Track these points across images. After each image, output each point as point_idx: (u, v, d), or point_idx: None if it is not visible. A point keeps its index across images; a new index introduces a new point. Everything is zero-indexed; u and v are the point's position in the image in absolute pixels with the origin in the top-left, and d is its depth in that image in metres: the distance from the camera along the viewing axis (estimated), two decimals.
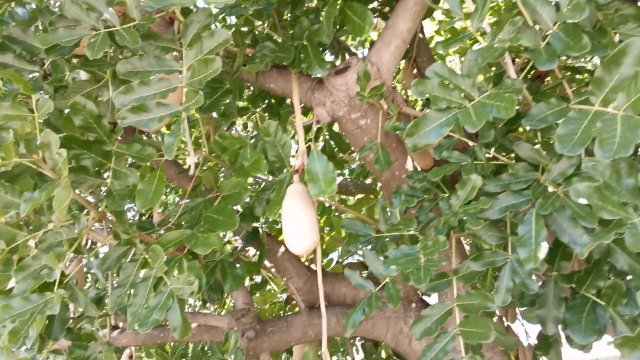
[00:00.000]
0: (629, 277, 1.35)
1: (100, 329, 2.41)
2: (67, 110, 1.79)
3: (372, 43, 1.96)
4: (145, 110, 1.37)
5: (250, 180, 3.23)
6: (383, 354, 2.75)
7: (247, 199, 2.02)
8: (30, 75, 1.77)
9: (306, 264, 2.45)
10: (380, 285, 1.55)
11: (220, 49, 1.38)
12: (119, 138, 1.67)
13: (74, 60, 1.80)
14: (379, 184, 3.56)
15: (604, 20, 1.37)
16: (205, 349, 3.42)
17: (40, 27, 1.86)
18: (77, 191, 1.70)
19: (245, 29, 2.27)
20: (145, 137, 2.24)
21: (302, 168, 1.63)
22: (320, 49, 1.75)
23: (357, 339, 3.10)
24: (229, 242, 2.37)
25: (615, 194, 1.01)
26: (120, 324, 2.58)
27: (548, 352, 1.52)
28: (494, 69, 1.77)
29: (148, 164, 2.41)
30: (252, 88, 2.59)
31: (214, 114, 2.56)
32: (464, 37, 1.30)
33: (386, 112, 1.75)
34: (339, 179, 3.80)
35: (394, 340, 2.09)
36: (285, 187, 1.63)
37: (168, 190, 4.00)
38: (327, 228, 3.49)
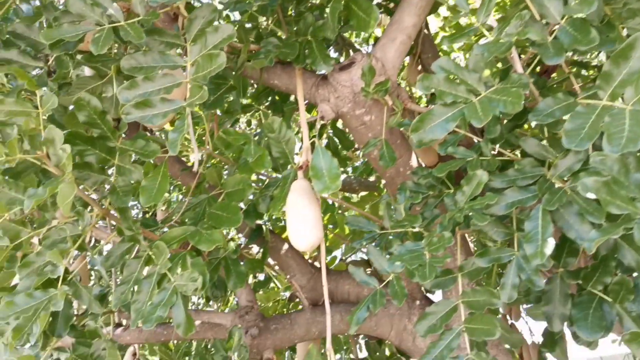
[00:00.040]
0: (636, 274, 1.34)
1: (104, 327, 2.41)
2: (71, 107, 1.79)
3: (377, 40, 1.95)
4: (149, 106, 1.37)
5: (253, 177, 3.23)
6: (387, 352, 2.74)
7: (251, 197, 2.02)
8: (35, 72, 1.77)
9: (310, 261, 2.44)
10: (385, 282, 1.54)
11: (224, 44, 1.38)
12: (123, 135, 1.67)
13: (79, 57, 1.80)
14: (383, 181, 3.55)
15: (612, 15, 1.35)
16: (209, 346, 3.42)
17: (45, 24, 1.86)
18: (80, 188, 1.70)
19: (249, 25, 2.26)
20: (148, 135, 2.23)
21: (306, 164, 1.62)
22: (325, 45, 1.74)
23: (361, 337, 3.09)
24: (232, 239, 2.36)
25: (624, 189, 1.00)
26: (124, 322, 2.58)
27: (554, 349, 1.51)
28: (500, 65, 1.75)
29: (152, 161, 2.42)
30: (255, 86, 2.59)
31: (218, 111, 2.56)
32: (469, 31, 1.29)
33: (391, 108, 1.75)
34: (343, 177, 3.80)
35: (398, 337, 2.08)
36: (290, 183, 1.63)
37: (172, 188, 4.00)
38: (331, 226, 3.49)
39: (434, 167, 1.44)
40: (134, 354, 2.76)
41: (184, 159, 3.13)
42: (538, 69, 1.73)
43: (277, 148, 1.71)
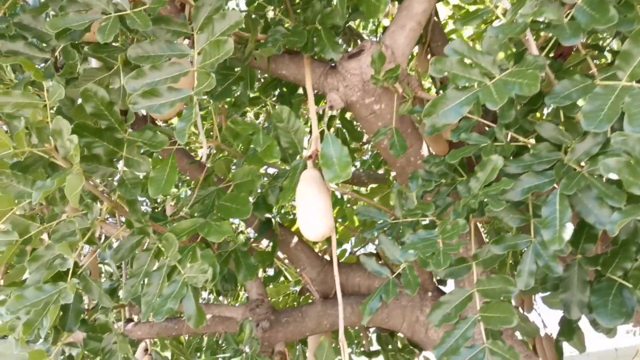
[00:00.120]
0: None
1: (115, 322, 2.41)
2: (79, 101, 1.78)
3: (385, 29, 1.92)
4: (156, 95, 1.35)
5: (261, 171, 3.21)
6: (398, 345, 2.72)
7: (259, 190, 2.00)
8: (42, 65, 1.76)
9: (320, 254, 2.42)
10: (396, 273, 1.52)
11: (232, 31, 1.35)
12: (131, 130, 1.65)
13: (85, 49, 1.78)
14: (393, 174, 3.52)
15: None
16: (220, 342, 3.42)
17: (51, 15, 1.84)
18: (89, 182, 1.69)
19: (255, 17, 2.23)
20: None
21: (315, 154, 1.60)
22: (334, 32, 1.71)
23: (372, 330, 3.07)
24: (241, 232, 2.35)
25: None
26: (135, 318, 2.58)
27: (571, 338, 1.48)
28: (514, 50, 1.71)
29: (160, 157, 2.41)
30: (262, 80, 2.57)
31: (226, 105, 2.54)
32: (483, 13, 1.26)
33: (401, 96, 1.72)
34: (352, 169, 3.77)
35: (410, 329, 2.06)
36: (299, 173, 1.60)
37: (180, 184, 4.00)
38: (340, 219, 3.47)
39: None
40: (146, 350, 2.76)
41: (192, 154, 3.12)
42: (553, 52, 1.70)
43: (286, 138, 1.68)
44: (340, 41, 2.73)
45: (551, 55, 1.69)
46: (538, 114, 2.50)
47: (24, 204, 1.58)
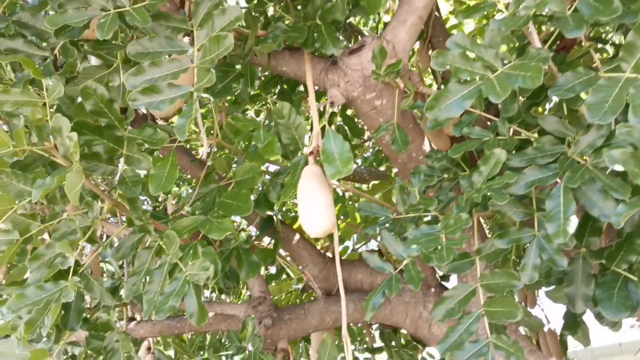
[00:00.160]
0: None
1: (117, 321, 2.40)
2: (79, 100, 1.77)
3: (386, 25, 1.91)
4: (156, 92, 1.34)
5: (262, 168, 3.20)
6: (402, 341, 2.71)
7: (261, 187, 2.00)
8: (41, 63, 1.75)
9: (321, 251, 2.42)
10: (399, 268, 1.51)
11: (232, 27, 1.34)
12: (131, 127, 1.65)
13: (85, 47, 1.77)
14: (394, 170, 3.52)
15: None
16: (223, 340, 3.41)
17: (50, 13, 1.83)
18: (89, 180, 1.68)
19: (256, 14, 2.22)
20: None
21: (316, 149, 1.59)
22: (334, 28, 1.70)
23: (375, 327, 3.07)
24: (243, 230, 2.35)
25: None
26: (137, 317, 2.58)
27: (576, 332, 1.48)
28: (516, 44, 1.70)
29: (160, 155, 2.40)
30: (263, 78, 2.56)
31: (226, 103, 2.53)
32: (485, 5, 1.24)
33: (402, 92, 1.71)
34: (353, 166, 3.76)
35: (413, 325, 2.05)
36: (300, 169, 1.59)
37: (181, 183, 4.00)
38: (342, 217, 3.46)
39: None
40: (149, 348, 2.76)
41: (193, 152, 3.11)
42: (555, 45, 1.68)
43: (287, 134, 1.67)
44: (340, 37, 2.73)
45: (554, 48, 1.68)
46: (540, 109, 2.49)
47: (24, 202, 1.57)
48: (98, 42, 1.64)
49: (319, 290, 2.26)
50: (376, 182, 3.38)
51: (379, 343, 2.77)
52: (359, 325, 3.54)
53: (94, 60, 1.83)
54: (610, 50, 2.27)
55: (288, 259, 2.93)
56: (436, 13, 2.37)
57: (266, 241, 2.76)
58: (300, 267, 2.33)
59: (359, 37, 2.71)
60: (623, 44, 1.11)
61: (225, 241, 1.91)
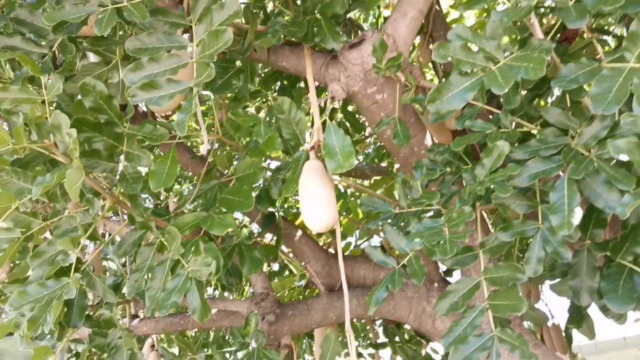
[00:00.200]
0: None
1: (121, 319, 2.40)
2: (78, 97, 1.76)
3: (386, 19, 1.90)
4: (155, 87, 1.33)
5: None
6: (405, 337, 2.71)
7: (262, 183, 1.99)
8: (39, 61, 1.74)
9: (324, 247, 2.41)
10: (402, 262, 1.50)
11: (231, 21, 1.33)
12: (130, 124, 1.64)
13: (84, 44, 1.76)
14: (396, 166, 3.50)
15: None
16: (227, 337, 3.41)
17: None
18: (90, 177, 1.68)
19: (255, 11, 2.21)
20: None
21: (317, 144, 1.58)
22: (334, 22, 1.69)
23: (378, 323, 3.06)
24: (245, 226, 2.34)
25: None
26: (140, 314, 2.58)
27: (581, 325, 1.47)
28: (518, 38, 1.69)
29: (161, 153, 2.39)
30: (263, 75, 2.55)
31: (227, 101, 2.52)
32: None
33: (403, 85, 1.69)
34: (355, 163, 3.75)
35: (417, 320, 2.04)
36: (301, 165, 1.58)
37: (182, 180, 3.99)
38: (344, 213, 3.45)
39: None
40: (152, 346, 2.76)
41: (194, 150, 3.10)
42: (558, 37, 1.67)
43: (288, 129, 1.66)
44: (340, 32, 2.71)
45: (556, 40, 1.67)
46: (543, 102, 2.47)
47: (24, 200, 1.57)
48: (96, 39, 1.64)
49: (321, 286, 2.25)
50: (378, 177, 3.37)
51: (382, 339, 2.76)
52: (363, 321, 3.54)
53: (92, 57, 1.83)
54: (613, 43, 2.25)
55: (290, 255, 2.93)
56: (437, 7, 2.36)
57: (268, 238, 2.76)
58: (302, 263, 2.32)
59: (359, 32, 2.69)
60: (626, 34, 1.09)
61: (227, 238, 1.91)
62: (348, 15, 2.73)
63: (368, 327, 3.20)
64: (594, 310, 1.55)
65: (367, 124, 3.14)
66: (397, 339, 2.56)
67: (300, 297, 3.19)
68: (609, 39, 2.24)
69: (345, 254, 2.91)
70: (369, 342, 3.07)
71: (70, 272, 1.54)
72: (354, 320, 3.24)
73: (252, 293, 2.35)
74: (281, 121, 1.65)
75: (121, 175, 1.61)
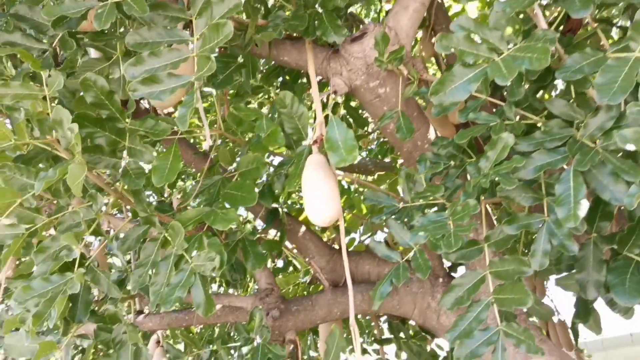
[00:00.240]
0: None
1: (126, 315, 2.40)
2: (81, 94, 1.76)
3: (388, 12, 1.88)
4: (156, 82, 1.33)
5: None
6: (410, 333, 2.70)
7: (265, 179, 1.98)
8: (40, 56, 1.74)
9: (328, 243, 2.40)
10: (407, 257, 1.49)
11: (231, 14, 1.32)
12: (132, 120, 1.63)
13: (85, 40, 1.76)
14: (400, 161, 3.49)
15: None
16: (232, 334, 3.42)
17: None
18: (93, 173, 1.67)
19: (256, 5, 2.20)
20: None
21: (320, 138, 1.57)
22: (335, 15, 1.67)
23: (383, 320, 3.05)
24: (248, 221, 2.33)
25: None
26: (146, 310, 2.58)
27: (587, 320, 1.45)
28: (521, 29, 1.66)
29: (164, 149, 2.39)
30: (264, 71, 2.53)
31: (229, 97, 2.52)
32: None
33: (406, 79, 1.68)
34: (358, 159, 3.74)
35: (422, 316, 2.03)
36: (304, 159, 1.57)
37: (186, 177, 3.99)
38: (348, 209, 3.44)
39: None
40: (158, 342, 2.77)
41: (197, 147, 3.10)
42: (561, 28, 1.65)
43: (290, 124, 1.65)
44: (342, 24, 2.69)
45: (560, 31, 1.65)
46: (547, 96, 2.45)
47: (28, 196, 1.57)
48: (96, 34, 1.63)
49: (326, 281, 2.25)
50: (381, 173, 3.36)
51: (387, 336, 2.76)
52: (367, 317, 3.53)
53: (93, 53, 1.82)
54: (617, 35, 2.23)
55: (295, 251, 2.92)
56: (439, 0, 2.34)
57: (272, 234, 2.75)
58: (307, 259, 2.32)
59: (361, 27, 2.67)
60: (630, 24, 1.08)
61: (231, 233, 1.91)
62: (349, 10, 2.72)
63: (373, 324, 3.19)
64: (599, 306, 1.54)
65: (370, 119, 3.13)
66: (401, 334, 2.55)
67: (305, 293, 3.18)
68: (613, 31, 2.22)
69: (349, 249, 2.90)
70: (373, 338, 3.06)
71: (75, 268, 1.54)
72: (359, 316, 3.24)
73: (257, 289, 2.34)
74: (283, 115, 1.64)
75: (124, 170, 1.61)
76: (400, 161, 3.47)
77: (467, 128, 1.44)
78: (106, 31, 1.65)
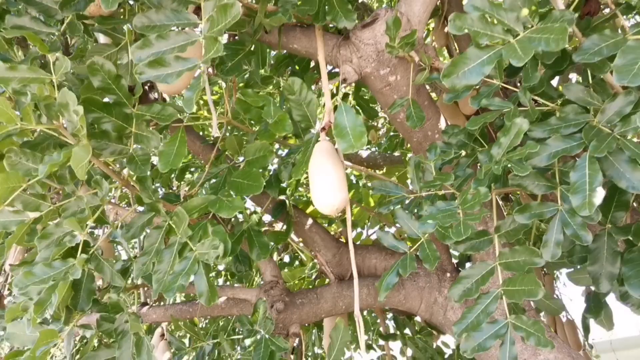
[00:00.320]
0: None
1: (130, 306, 2.39)
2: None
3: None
4: (163, 65, 1.30)
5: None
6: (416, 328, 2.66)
7: (272, 169, 1.96)
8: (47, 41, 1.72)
9: (334, 236, 2.37)
10: (414, 247, 1.45)
11: None
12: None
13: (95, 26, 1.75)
14: (409, 155, 3.45)
15: None
16: (237, 330, 3.40)
17: None
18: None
19: None
20: None
21: (328, 125, 1.54)
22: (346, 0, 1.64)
23: (389, 317, 3.02)
24: (254, 212, 2.32)
25: None
26: (149, 301, 2.57)
27: (599, 314, 1.41)
28: (537, 10, 1.62)
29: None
30: (272, 63, 2.51)
31: (237, 87, 2.49)
32: None
33: (417, 65, 1.65)
34: (367, 153, 3.71)
35: (428, 311, 2.00)
36: (312, 147, 1.55)
37: (193, 170, 3.98)
38: (355, 203, 3.41)
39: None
40: (162, 335, 2.76)
41: (207, 139, 3.08)
42: (579, 11, 1.61)
43: (298, 111, 1.63)
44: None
45: (577, 14, 1.60)
46: (561, 88, 2.40)
47: (33, 181, 1.55)
48: (104, 18, 1.61)
49: (332, 275, 2.22)
50: (390, 167, 3.33)
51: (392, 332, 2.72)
52: (373, 315, 3.50)
53: (102, 39, 1.81)
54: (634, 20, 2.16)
55: (301, 245, 2.90)
56: None
57: (279, 228, 2.73)
58: (313, 252, 2.29)
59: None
60: None
61: (237, 224, 1.89)
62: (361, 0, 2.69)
63: (379, 321, 3.16)
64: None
65: (380, 109, 3.09)
66: (407, 330, 2.51)
67: (310, 287, 3.16)
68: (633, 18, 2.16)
69: (356, 243, 2.87)
70: (378, 334, 3.03)
71: (78, 254, 1.52)
72: (364, 312, 3.21)
73: (262, 282, 2.32)
74: (292, 102, 1.61)
75: (130, 157, 1.59)
76: (409, 155, 3.43)
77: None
78: (114, 15, 1.64)
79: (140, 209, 1.72)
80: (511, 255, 1.27)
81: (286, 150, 1.90)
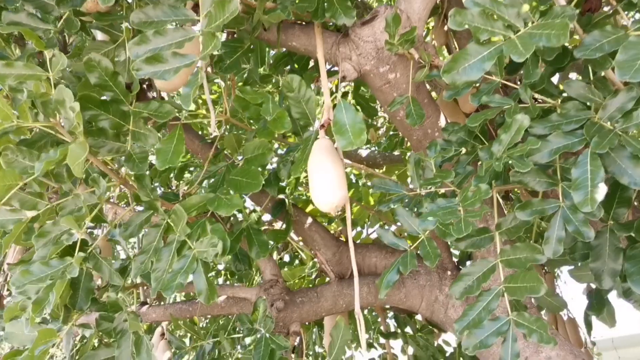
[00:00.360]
0: None
1: (129, 305, 2.38)
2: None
3: None
4: (160, 61, 1.29)
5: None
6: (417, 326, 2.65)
7: (271, 168, 1.95)
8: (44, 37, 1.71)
9: (334, 235, 2.36)
10: (415, 244, 1.44)
11: None
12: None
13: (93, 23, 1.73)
14: (409, 154, 3.44)
15: None
16: (237, 329, 3.39)
17: None
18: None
19: None
20: None
21: (327, 123, 1.53)
22: None
23: (390, 315, 3.01)
24: (254, 211, 2.31)
25: None
26: (149, 300, 2.56)
27: (601, 311, 1.40)
28: (538, 6, 1.60)
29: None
30: (271, 62, 2.50)
31: (236, 85, 2.48)
32: None
33: (417, 63, 1.64)
34: (366, 152, 3.70)
35: (429, 309, 1.99)
36: (311, 144, 1.54)
37: (192, 169, 3.97)
38: (355, 202, 3.40)
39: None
40: (162, 334, 2.75)
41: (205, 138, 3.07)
42: (580, 10, 1.59)
43: (297, 108, 1.62)
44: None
45: (579, 10, 1.59)
46: (561, 87, 2.39)
47: (30, 179, 1.54)
48: (102, 14, 1.60)
49: (332, 273, 2.21)
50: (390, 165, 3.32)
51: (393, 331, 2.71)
52: (374, 313, 3.49)
53: (99, 36, 1.80)
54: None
55: (301, 244, 2.89)
56: None
57: (278, 226, 2.72)
58: (313, 251, 2.28)
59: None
60: None
61: (236, 223, 1.88)
62: None
63: (379, 319, 3.15)
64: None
65: (379, 107, 3.08)
66: (408, 329, 2.50)
67: (311, 286, 3.15)
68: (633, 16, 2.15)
69: (356, 242, 2.86)
70: (378, 332, 3.02)
71: (75, 253, 1.51)
72: (365, 311, 3.19)
73: (262, 281, 2.31)
74: (290, 100, 1.60)
75: (127, 155, 1.58)
76: (409, 154, 3.42)
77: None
78: (111, 11, 1.63)
79: (139, 207, 1.72)
80: (512, 252, 1.26)
81: (285, 149, 1.90)
